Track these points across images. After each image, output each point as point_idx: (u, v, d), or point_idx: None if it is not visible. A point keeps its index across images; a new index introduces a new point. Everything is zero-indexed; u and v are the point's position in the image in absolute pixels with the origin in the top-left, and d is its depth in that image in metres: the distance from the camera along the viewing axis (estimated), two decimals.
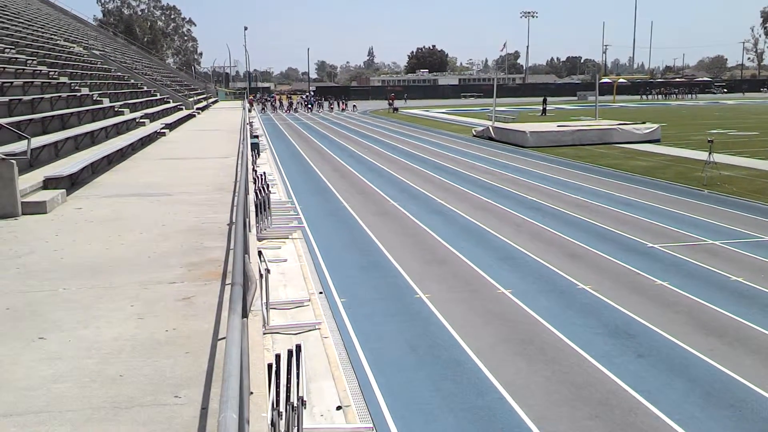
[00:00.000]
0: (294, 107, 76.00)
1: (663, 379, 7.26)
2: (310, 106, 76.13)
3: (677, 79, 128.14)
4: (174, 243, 7.22)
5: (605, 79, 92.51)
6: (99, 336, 4.62)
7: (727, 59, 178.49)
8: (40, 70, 19.09)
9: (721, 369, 7.46)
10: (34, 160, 11.03)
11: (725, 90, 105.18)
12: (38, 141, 11.69)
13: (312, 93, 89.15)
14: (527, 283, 10.67)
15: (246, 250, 5.53)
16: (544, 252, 12.42)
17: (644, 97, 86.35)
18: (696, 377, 7.30)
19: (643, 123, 35.01)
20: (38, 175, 10.09)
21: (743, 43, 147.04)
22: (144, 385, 3.83)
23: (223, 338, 3.77)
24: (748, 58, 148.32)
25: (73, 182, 10.79)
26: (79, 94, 19.41)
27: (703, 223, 14.68)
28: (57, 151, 12.82)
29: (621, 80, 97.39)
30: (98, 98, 21.06)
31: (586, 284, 10.48)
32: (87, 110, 17.92)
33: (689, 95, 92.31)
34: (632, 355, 7.89)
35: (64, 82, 19.91)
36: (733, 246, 12.68)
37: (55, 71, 21.04)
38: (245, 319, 4.18)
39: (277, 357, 4.99)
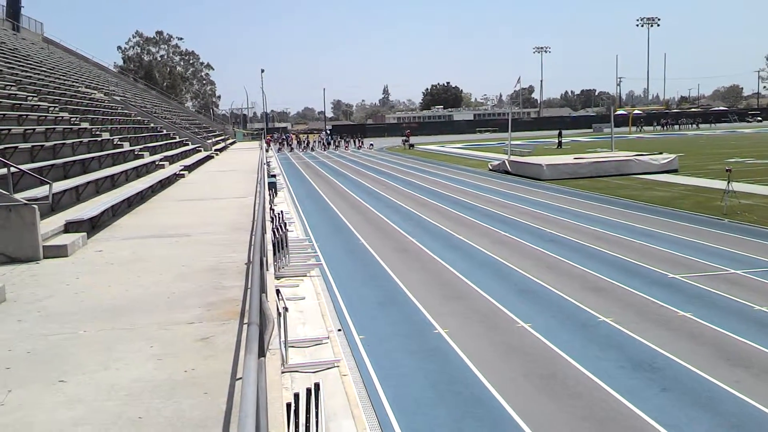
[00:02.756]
0: (311, 146, 76.77)
1: (689, 413, 7.12)
2: (326, 144, 76.87)
3: (693, 109, 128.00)
4: (193, 283, 7.27)
5: (620, 111, 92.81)
6: (119, 378, 4.64)
7: (742, 88, 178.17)
8: (62, 117, 19.51)
9: (749, 401, 7.30)
10: (55, 204, 11.21)
11: (760, 119, 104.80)
12: (60, 186, 11.89)
13: (328, 131, 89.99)
14: (547, 316, 10.57)
15: (263, 289, 5.55)
16: (564, 285, 12.32)
17: (638, 129, 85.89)
18: (723, 410, 7.15)
19: (660, 153, 34.90)
20: (60, 219, 10.24)
21: (758, 72, 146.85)
22: (163, 427, 3.83)
23: (241, 378, 3.77)
24: (764, 87, 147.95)
25: (93, 225, 10.93)
26: (99, 138, 19.78)
27: (725, 252, 14.50)
28: (78, 195, 13.02)
29: (636, 111, 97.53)
30: (119, 142, 21.43)
31: (607, 317, 10.36)
32: (107, 154, 18.23)
33: (693, 125, 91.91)
34: (657, 388, 7.76)
35: (86, 128, 20.30)
36: (756, 275, 12.50)
37: (76, 117, 21.49)
38: (263, 358, 4.18)
39: (296, 396, 4.98)
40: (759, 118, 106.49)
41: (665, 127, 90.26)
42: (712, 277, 12.46)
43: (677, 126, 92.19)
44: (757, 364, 8.36)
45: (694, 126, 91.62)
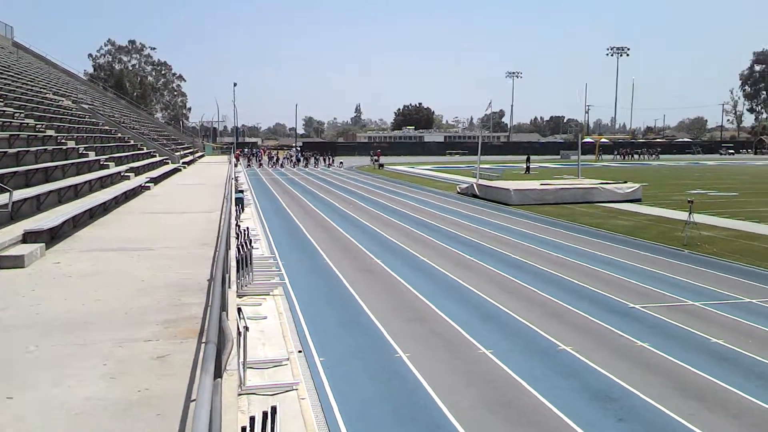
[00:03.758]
0: (280, 162, 76.54)
1: None
2: (296, 161, 76.72)
3: (658, 140, 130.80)
4: (152, 299, 7.16)
5: (588, 139, 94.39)
6: (70, 396, 4.54)
7: (707, 120, 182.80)
8: (27, 123, 19.17)
9: None
10: (15, 213, 10.98)
11: (732, 152, 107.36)
12: (20, 194, 11.66)
13: (298, 149, 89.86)
14: (508, 342, 10.62)
15: (224, 308, 5.49)
16: (526, 311, 12.41)
17: (597, 157, 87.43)
18: None
19: (625, 182, 35.53)
20: (18, 229, 10.03)
21: (723, 105, 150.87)
22: None
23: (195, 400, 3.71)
24: (728, 120, 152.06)
25: (53, 236, 10.72)
26: (65, 147, 19.46)
27: (684, 283, 14.77)
28: (39, 205, 12.78)
29: (603, 140, 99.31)
30: (84, 151, 21.11)
31: (567, 345, 10.45)
32: (72, 163, 17.94)
33: (652, 156, 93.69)
34: (613, 419, 7.83)
35: (51, 135, 19.97)
36: (714, 307, 12.74)
37: (42, 124, 21.13)
38: (219, 379, 4.13)
39: (252, 420, 4.91)
40: (731, 151, 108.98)
41: (624, 157, 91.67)
42: (670, 308, 12.67)
43: (636, 156, 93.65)
44: (712, 397, 8.49)
45: (654, 156, 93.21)
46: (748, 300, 13.31)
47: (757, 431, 7.51)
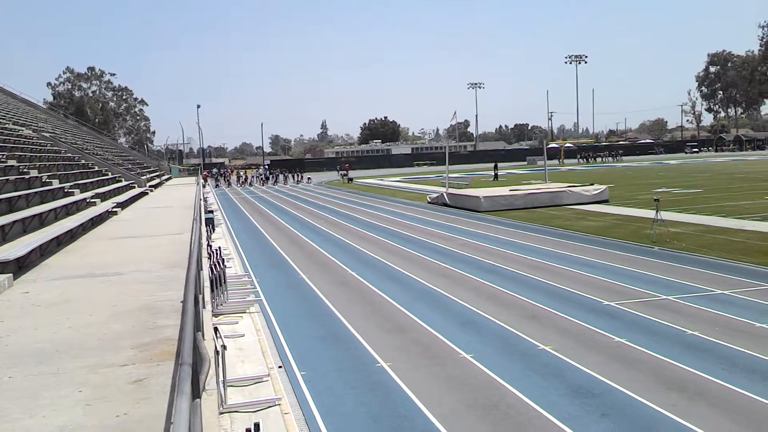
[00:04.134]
0: (249, 181, 76.12)
1: None
2: (265, 179, 76.38)
3: (620, 142, 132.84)
4: (125, 324, 7.01)
5: (552, 144, 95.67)
6: (45, 426, 4.40)
7: (667, 121, 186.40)
8: None
9: (684, 424, 7.47)
10: None
11: (697, 150, 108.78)
12: None
13: (266, 166, 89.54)
14: (488, 346, 10.63)
15: (199, 328, 5.40)
16: (504, 314, 12.44)
17: (559, 162, 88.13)
18: None
19: (592, 184, 35.98)
20: None
21: (681, 105, 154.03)
22: None
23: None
24: (687, 120, 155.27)
25: (20, 266, 10.47)
26: (27, 176, 19.09)
27: (656, 279, 14.95)
28: (4, 235, 12.49)
29: (567, 145, 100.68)
30: (47, 180, 20.72)
31: (546, 345, 10.49)
32: (36, 192, 17.59)
33: (614, 158, 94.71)
34: (597, 414, 7.86)
35: (12, 165, 19.58)
36: (687, 300, 12.92)
37: (3, 155, 20.72)
38: (198, 399, 4.04)
39: None
40: (696, 150, 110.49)
41: (588, 160, 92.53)
42: (645, 303, 12.81)
43: (599, 159, 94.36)
44: (692, 387, 8.58)
45: (614, 159, 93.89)
46: (720, 291, 13.51)
47: (737, 418, 7.60)
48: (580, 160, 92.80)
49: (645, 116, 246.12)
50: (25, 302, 8.36)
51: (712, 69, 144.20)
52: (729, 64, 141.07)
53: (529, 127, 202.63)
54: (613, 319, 11.83)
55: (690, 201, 31.06)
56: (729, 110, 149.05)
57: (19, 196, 16.03)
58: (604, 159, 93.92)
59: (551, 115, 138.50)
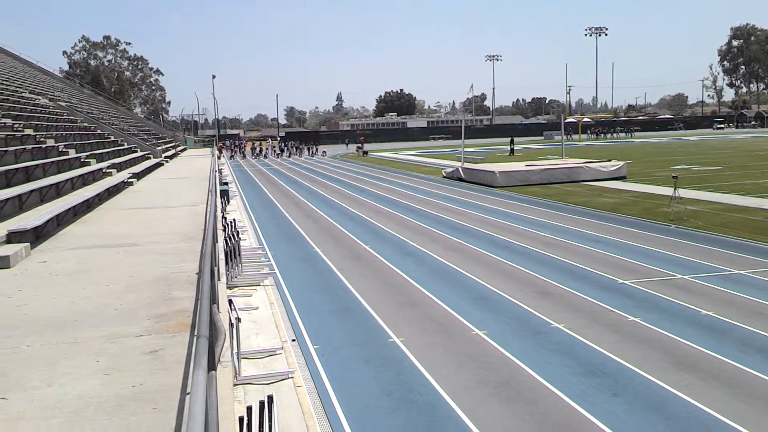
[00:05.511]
0: (264, 153, 76.09)
1: (640, 417, 7.23)
2: (280, 152, 76.31)
3: (639, 117, 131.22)
4: (141, 294, 7.07)
5: (570, 119, 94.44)
6: (64, 394, 4.46)
7: (687, 97, 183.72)
8: (5, 123, 18.87)
9: (697, 405, 7.46)
10: None
11: (722, 126, 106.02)
12: (1, 194, 11.48)
13: (279, 139, 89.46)
14: (501, 323, 10.64)
15: (214, 300, 5.43)
16: (517, 291, 12.43)
17: (567, 137, 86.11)
18: (673, 414, 7.28)
19: (609, 161, 35.67)
20: (1, 229, 9.86)
21: (703, 80, 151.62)
22: None
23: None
24: (708, 95, 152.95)
25: (37, 235, 10.57)
26: (44, 145, 19.20)
27: (672, 258, 14.86)
28: (21, 204, 12.60)
29: (585, 119, 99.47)
30: (64, 149, 20.83)
31: (559, 323, 10.49)
32: (52, 162, 17.70)
33: (629, 133, 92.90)
34: (608, 393, 7.86)
35: (29, 135, 19.69)
36: (702, 280, 12.84)
37: (19, 124, 20.82)
38: (214, 371, 4.07)
39: (249, 409, 4.87)
40: (721, 126, 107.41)
41: (598, 135, 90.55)
42: (660, 282, 12.74)
43: (610, 135, 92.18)
44: (705, 367, 8.56)
45: (627, 135, 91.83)
46: (737, 271, 13.41)
47: (751, 400, 7.57)
48: (591, 135, 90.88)
49: (665, 91, 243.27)
50: (42, 271, 8.45)
51: (735, 43, 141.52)
52: (752, 38, 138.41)
53: (547, 101, 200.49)
54: (627, 298, 11.79)
55: (709, 178, 30.72)
56: (751, 85, 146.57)
57: (36, 165, 16.14)
58: (615, 135, 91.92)
59: (569, 89, 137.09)
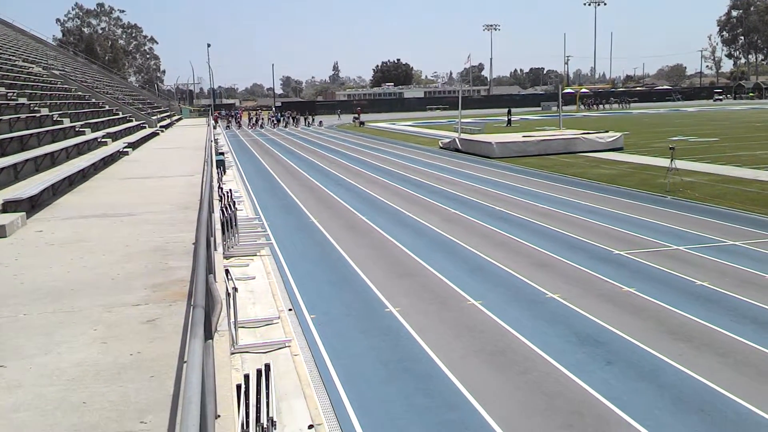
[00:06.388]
0: (260, 123, 75.67)
1: (633, 385, 7.32)
2: (276, 122, 75.91)
3: (637, 88, 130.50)
4: (138, 264, 7.07)
5: (568, 90, 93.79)
6: (61, 362, 4.48)
7: (686, 67, 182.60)
8: None
9: (690, 374, 7.55)
10: None
11: (721, 98, 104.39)
12: None
13: (275, 109, 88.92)
14: (496, 293, 10.70)
15: (210, 270, 5.43)
16: (513, 262, 12.48)
17: (556, 108, 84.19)
18: (665, 383, 7.37)
19: (606, 132, 35.57)
20: None
21: (701, 51, 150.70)
22: (108, 412, 3.72)
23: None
24: (707, 66, 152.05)
25: (33, 205, 10.54)
26: (38, 114, 19.05)
27: (667, 228, 14.90)
28: (16, 173, 12.54)
29: (583, 90, 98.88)
30: (58, 118, 20.68)
31: (554, 293, 10.55)
32: (47, 131, 17.58)
33: (616, 105, 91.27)
34: (602, 362, 7.94)
35: (23, 103, 19.53)
36: (697, 251, 12.90)
37: (13, 92, 20.64)
38: (210, 340, 4.09)
39: (246, 377, 4.91)
40: (720, 98, 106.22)
41: (590, 107, 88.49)
42: (655, 253, 12.80)
43: (601, 106, 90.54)
44: (699, 337, 8.64)
45: (620, 106, 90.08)
46: (732, 243, 13.47)
47: (744, 369, 7.66)
48: (581, 107, 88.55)
49: (664, 62, 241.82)
50: (38, 241, 8.44)
51: (734, 13, 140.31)
52: (752, 9, 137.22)
53: (545, 72, 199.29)
54: (622, 268, 11.85)
55: (705, 150, 30.70)
56: (750, 56, 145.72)
57: (31, 134, 16.04)
58: (609, 106, 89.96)
59: (568, 60, 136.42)
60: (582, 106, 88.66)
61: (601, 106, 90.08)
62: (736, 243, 13.41)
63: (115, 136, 23.81)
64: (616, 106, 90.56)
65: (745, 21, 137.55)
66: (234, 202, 14.77)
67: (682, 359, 7.91)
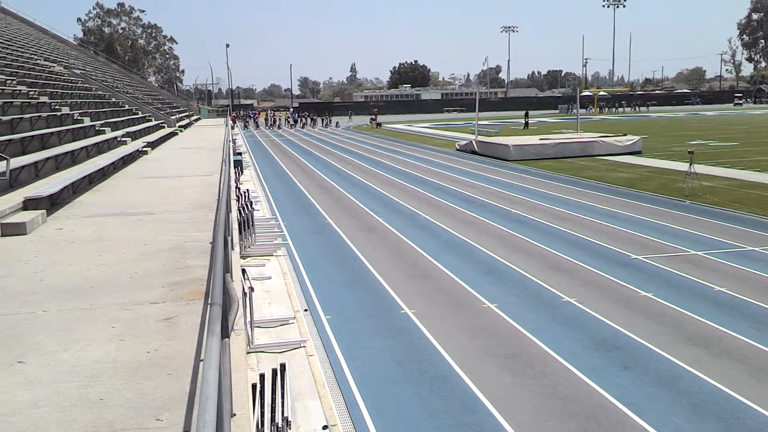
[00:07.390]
0: (277, 124, 75.95)
1: (650, 391, 7.26)
2: (293, 122, 76.16)
3: (656, 92, 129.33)
4: (156, 262, 7.13)
5: (586, 92, 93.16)
6: (79, 359, 4.53)
7: (705, 71, 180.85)
8: (20, 90, 18.94)
9: (707, 380, 7.47)
10: (13, 180, 10.91)
11: (741, 102, 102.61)
12: (18, 161, 11.56)
13: (292, 110, 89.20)
14: (512, 296, 10.66)
15: (228, 269, 5.47)
16: (529, 265, 12.43)
17: (568, 110, 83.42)
18: (683, 389, 7.30)
19: (625, 135, 35.32)
20: (18, 196, 9.95)
21: (721, 54, 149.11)
22: (125, 409, 3.75)
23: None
24: (726, 70, 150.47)
25: (53, 203, 10.66)
26: (59, 113, 19.26)
27: (686, 233, 14.77)
28: (37, 172, 12.69)
29: (601, 93, 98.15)
30: (79, 117, 20.90)
31: (571, 297, 10.49)
32: (68, 129, 17.78)
33: (629, 108, 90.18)
34: (619, 367, 7.89)
35: (45, 102, 19.76)
36: (716, 256, 12.77)
37: (35, 91, 20.89)
38: (227, 339, 4.12)
39: (261, 377, 4.93)
40: (740, 102, 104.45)
41: (602, 110, 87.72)
42: (672, 258, 12.69)
43: (614, 109, 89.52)
44: (716, 343, 8.55)
45: (633, 109, 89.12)
46: (751, 248, 13.33)
47: (762, 375, 7.57)
48: (593, 110, 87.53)
49: (683, 65, 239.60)
50: (58, 239, 8.54)
51: (755, 16, 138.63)
52: None
53: (563, 74, 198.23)
54: (639, 273, 11.76)
55: (725, 154, 30.39)
56: None
57: (52, 133, 16.22)
58: (622, 110, 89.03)
59: (586, 62, 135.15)
60: (592, 110, 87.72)
61: (613, 110, 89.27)
62: (756, 248, 13.26)
63: (134, 136, 24.02)
64: (628, 110, 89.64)
65: (766, 24, 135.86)
66: (251, 202, 14.85)
67: (699, 365, 7.83)
